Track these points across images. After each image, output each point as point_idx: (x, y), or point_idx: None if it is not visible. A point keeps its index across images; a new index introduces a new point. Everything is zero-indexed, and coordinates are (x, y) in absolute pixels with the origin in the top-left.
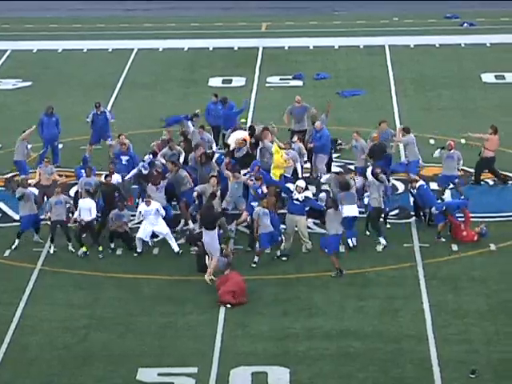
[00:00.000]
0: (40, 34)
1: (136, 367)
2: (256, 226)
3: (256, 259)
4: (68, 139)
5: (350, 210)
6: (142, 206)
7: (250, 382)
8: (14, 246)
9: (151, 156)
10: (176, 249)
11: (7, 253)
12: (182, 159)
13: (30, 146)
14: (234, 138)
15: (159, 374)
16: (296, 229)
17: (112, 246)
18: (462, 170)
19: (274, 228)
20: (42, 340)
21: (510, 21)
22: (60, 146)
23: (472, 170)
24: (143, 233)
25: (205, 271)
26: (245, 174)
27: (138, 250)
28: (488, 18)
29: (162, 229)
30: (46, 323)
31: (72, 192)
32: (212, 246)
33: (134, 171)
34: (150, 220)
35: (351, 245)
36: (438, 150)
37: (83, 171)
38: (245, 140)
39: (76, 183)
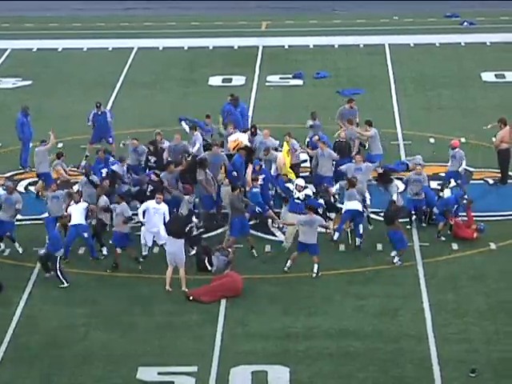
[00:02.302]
0: (40, 32)
1: (136, 366)
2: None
3: (289, 264)
4: (68, 138)
5: (353, 205)
6: (151, 203)
7: (249, 381)
8: (17, 246)
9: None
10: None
11: (7, 252)
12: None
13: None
14: (234, 139)
15: (159, 373)
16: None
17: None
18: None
19: (398, 242)
20: (42, 339)
21: (510, 20)
22: (60, 144)
23: (473, 169)
24: (147, 237)
25: (205, 270)
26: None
27: (144, 252)
28: (488, 17)
29: (163, 233)
30: (46, 322)
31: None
32: (178, 256)
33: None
34: (154, 220)
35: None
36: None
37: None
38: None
39: (77, 181)
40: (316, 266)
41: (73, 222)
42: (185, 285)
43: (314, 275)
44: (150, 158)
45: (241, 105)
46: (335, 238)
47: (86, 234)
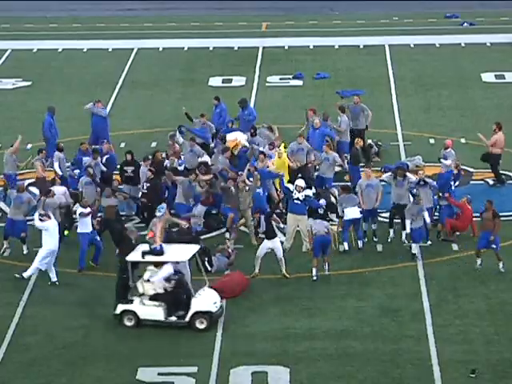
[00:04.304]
0: (40, 33)
1: (136, 367)
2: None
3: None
4: (67, 139)
5: (352, 213)
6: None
7: (249, 381)
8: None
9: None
10: (53, 279)
11: (7, 252)
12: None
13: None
14: (233, 139)
15: (159, 374)
16: (297, 228)
17: None
18: (462, 169)
19: (490, 241)
20: (42, 340)
21: (510, 20)
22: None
23: (473, 170)
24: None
25: (205, 271)
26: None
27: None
28: (488, 18)
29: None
30: (46, 323)
31: None
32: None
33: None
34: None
35: (360, 246)
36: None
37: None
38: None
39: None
40: (327, 265)
41: (84, 231)
42: None
43: (328, 273)
44: (126, 168)
45: (248, 107)
46: (345, 248)
47: (98, 237)
